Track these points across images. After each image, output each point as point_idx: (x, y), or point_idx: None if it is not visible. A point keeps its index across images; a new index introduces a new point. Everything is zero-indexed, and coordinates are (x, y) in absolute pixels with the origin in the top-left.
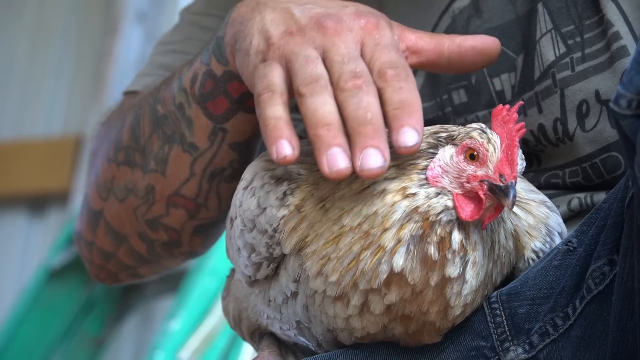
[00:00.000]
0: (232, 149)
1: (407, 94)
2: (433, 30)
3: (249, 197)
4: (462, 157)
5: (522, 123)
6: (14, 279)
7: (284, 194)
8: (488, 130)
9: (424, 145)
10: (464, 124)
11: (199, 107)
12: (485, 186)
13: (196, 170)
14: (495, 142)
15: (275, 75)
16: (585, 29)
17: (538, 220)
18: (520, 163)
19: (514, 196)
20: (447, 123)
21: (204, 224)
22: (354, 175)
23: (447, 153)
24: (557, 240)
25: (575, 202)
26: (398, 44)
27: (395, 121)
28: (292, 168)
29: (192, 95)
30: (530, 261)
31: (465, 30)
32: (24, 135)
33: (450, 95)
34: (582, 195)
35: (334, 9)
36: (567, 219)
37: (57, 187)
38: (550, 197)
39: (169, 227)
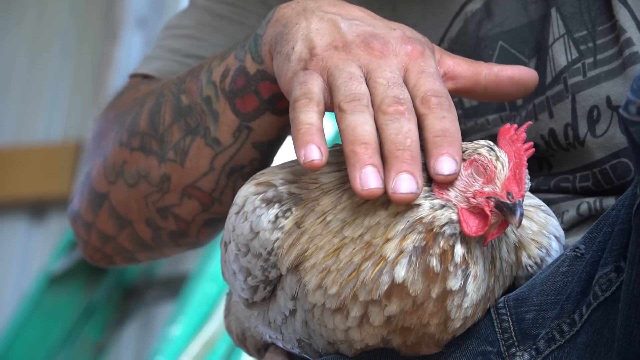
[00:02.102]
0: (255, 148)
1: (450, 123)
2: (445, 33)
3: (241, 222)
4: (469, 172)
5: (531, 143)
6: (15, 284)
7: (276, 217)
8: (496, 148)
9: None
10: (474, 128)
11: (227, 103)
12: (492, 203)
13: (216, 165)
14: (504, 160)
15: (315, 85)
16: (598, 34)
17: (540, 226)
18: (527, 183)
19: (521, 214)
20: None
21: (215, 218)
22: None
23: None
24: (555, 245)
25: (584, 207)
26: (440, 75)
27: (435, 148)
28: (282, 189)
29: (222, 90)
30: (528, 268)
31: (477, 34)
32: (24, 141)
33: (461, 98)
34: (591, 200)
35: (382, 29)
36: (576, 223)
37: (57, 192)
38: (559, 201)
39: (179, 217)
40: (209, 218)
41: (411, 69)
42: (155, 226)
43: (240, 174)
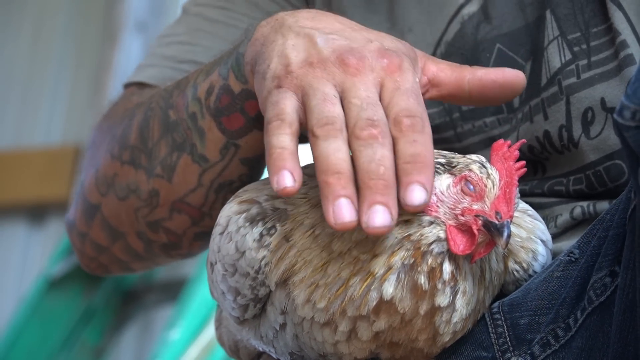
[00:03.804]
0: (243, 164)
1: (421, 147)
2: (442, 36)
3: (226, 242)
4: (458, 188)
5: (523, 162)
6: (14, 288)
7: (261, 235)
8: (488, 165)
9: None
10: (471, 130)
11: (212, 120)
12: (480, 222)
13: (204, 181)
14: (495, 178)
15: (288, 104)
16: (591, 36)
17: (528, 231)
18: (517, 202)
19: (508, 236)
20: (454, 129)
21: (206, 232)
22: None
23: (444, 182)
24: (541, 249)
25: (578, 211)
26: (418, 89)
27: (404, 176)
28: (267, 205)
29: (207, 107)
30: (515, 273)
31: (475, 37)
32: (23, 145)
33: None
34: (584, 203)
35: (359, 42)
36: (570, 227)
37: (56, 196)
38: (553, 205)
39: (170, 231)
40: (200, 231)
41: (386, 85)
42: (146, 239)
43: (230, 189)
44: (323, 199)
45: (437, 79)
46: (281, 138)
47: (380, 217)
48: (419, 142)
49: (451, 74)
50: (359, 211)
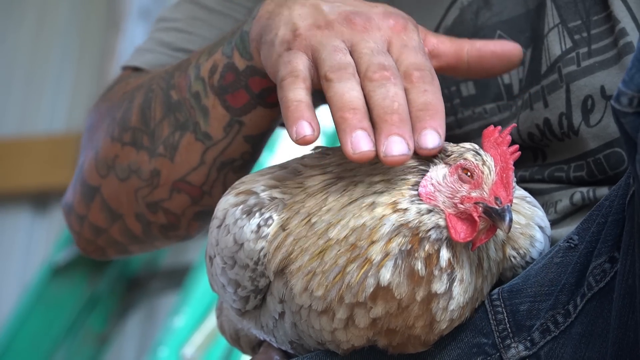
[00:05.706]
0: (246, 141)
1: (432, 96)
2: (441, 22)
3: (224, 235)
4: (455, 177)
5: (516, 146)
6: (18, 275)
7: (259, 226)
8: (482, 152)
9: (413, 161)
10: (471, 117)
11: (216, 98)
12: (480, 208)
13: (207, 159)
14: (490, 164)
15: (300, 63)
16: (592, 24)
17: (527, 218)
18: (515, 186)
19: (510, 220)
20: (455, 115)
21: (205, 211)
22: (343, 189)
23: (439, 172)
24: (539, 236)
25: (577, 196)
26: (424, 47)
27: (417, 122)
28: (264, 195)
29: (211, 86)
30: (512, 259)
31: (474, 23)
32: (27, 132)
33: (459, 87)
34: (584, 189)
35: (363, 7)
36: (570, 213)
37: (60, 183)
38: (552, 191)
39: (169, 211)
40: (199, 211)
41: (394, 43)
42: (145, 221)
43: (231, 167)
44: (340, 132)
45: (436, 50)
46: (297, 92)
47: (397, 146)
48: (430, 91)
49: (450, 45)
50: (376, 143)
